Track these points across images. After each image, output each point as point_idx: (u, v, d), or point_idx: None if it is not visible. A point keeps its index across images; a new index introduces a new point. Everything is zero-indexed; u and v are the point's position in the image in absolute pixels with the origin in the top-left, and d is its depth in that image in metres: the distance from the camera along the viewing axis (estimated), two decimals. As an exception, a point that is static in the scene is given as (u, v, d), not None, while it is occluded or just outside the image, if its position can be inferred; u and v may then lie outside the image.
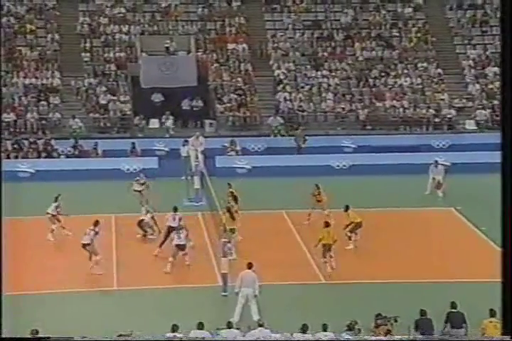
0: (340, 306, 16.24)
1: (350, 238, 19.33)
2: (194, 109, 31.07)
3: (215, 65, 31.91)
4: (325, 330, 13.31)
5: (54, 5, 33.14)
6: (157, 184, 24.50)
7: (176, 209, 19.28)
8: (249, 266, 15.97)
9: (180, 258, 18.15)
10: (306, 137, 28.76)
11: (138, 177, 23.11)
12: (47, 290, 17.31)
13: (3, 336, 11.74)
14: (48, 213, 20.21)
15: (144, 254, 19.37)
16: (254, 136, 29.96)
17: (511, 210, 10.23)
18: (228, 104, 30.83)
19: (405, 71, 32.22)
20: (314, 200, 21.28)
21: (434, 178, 24.59)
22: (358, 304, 16.14)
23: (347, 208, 19.57)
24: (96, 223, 18.15)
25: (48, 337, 11.27)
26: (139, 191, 22.47)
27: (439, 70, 32.30)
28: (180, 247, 17.96)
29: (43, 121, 29.83)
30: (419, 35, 33.18)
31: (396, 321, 13.62)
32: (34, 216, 21.29)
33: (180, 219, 18.97)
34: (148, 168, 27.10)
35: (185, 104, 31.04)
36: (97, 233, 17.97)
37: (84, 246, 17.84)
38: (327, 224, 18.29)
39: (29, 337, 12.28)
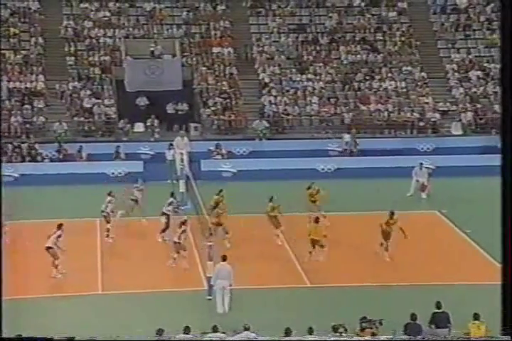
0: (326, 310, 16.25)
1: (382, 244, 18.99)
2: (179, 112, 31.01)
3: (200, 68, 31.90)
4: (310, 334, 13.34)
5: (38, 8, 32.97)
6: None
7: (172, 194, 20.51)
8: (224, 258, 16.26)
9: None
10: (358, 140, 28.68)
11: (137, 184, 21.72)
12: (31, 294, 17.20)
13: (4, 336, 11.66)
14: None
15: (129, 258, 19.30)
16: (240, 140, 29.97)
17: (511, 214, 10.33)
18: (213, 108, 30.82)
19: (390, 74, 32.36)
20: (309, 200, 21.36)
21: (417, 180, 24.72)
22: (344, 307, 16.16)
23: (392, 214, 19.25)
24: (59, 226, 18.06)
25: (51, 338, 11.23)
26: (136, 200, 21.34)
27: (423, 74, 32.47)
28: (176, 245, 18.30)
29: (27, 125, 29.65)
30: (403, 38, 33.34)
31: (381, 324, 13.67)
32: (18, 220, 21.14)
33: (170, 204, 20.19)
34: (133, 172, 27.05)
35: (170, 108, 30.97)
36: (59, 236, 17.85)
37: (47, 249, 17.73)
38: (317, 220, 18.60)
39: (33, 336, 12.16)
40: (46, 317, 16.10)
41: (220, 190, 20.97)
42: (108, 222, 20.37)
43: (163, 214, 20.20)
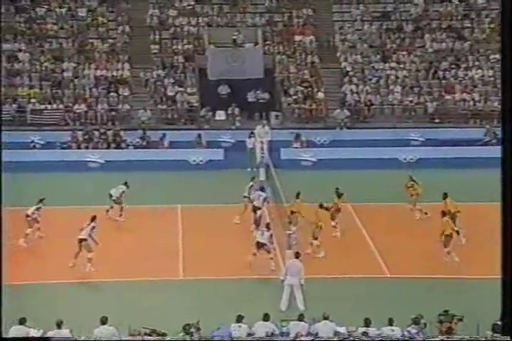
0: (406, 301, 16.04)
1: (458, 232, 18.47)
2: (260, 101, 31.09)
3: (282, 57, 31.86)
4: (391, 324, 13.20)
5: (125, -2, 33.67)
6: (223, 175, 24.69)
7: (262, 189, 20.28)
8: (297, 255, 16.08)
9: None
10: (495, 130, 28.16)
11: (252, 183, 21.01)
12: (112, 278, 17.66)
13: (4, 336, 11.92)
14: (27, 216, 19.14)
15: (210, 245, 19.52)
16: (320, 129, 29.82)
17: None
18: (294, 97, 30.75)
19: (476, 63, 31.49)
20: (408, 193, 21.08)
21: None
22: (426, 299, 15.90)
23: (445, 196, 19.18)
24: (93, 218, 17.90)
25: (48, 338, 11.50)
26: (248, 197, 20.64)
27: (512, 62, 31.41)
28: (260, 245, 17.60)
29: (113, 112, 30.37)
30: (492, 26, 32.34)
31: (461, 320, 13.32)
32: (102, 205, 21.70)
33: (265, 200, 19.83)
34: (214, 160, 27.36)
35: (251, 96, 31.08)
36: (93, 228, 17.74)
37: (80, 241, 17.55)
38: (444, 214, 17.97)
39: (32, 336, 12.16)
40: (130, 301, 16.49)
41: (298, 193, 19.76)
42: (121, 204, 20.71)
43: (256, 208, 19.57)
